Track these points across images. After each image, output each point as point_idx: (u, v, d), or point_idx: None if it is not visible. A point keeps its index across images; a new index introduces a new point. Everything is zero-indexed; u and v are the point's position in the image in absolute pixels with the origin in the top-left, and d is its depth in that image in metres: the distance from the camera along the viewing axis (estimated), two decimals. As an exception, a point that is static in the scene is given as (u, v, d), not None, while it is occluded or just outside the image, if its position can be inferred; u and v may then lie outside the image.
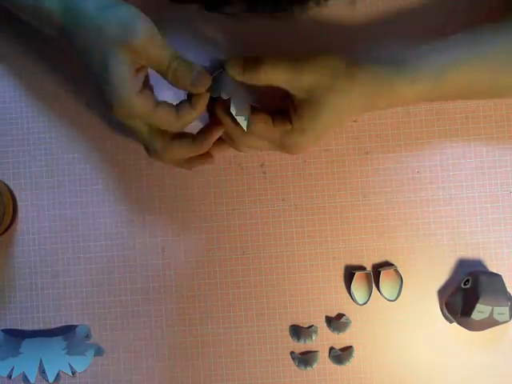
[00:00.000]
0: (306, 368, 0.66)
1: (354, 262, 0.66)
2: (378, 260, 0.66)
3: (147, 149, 0.59)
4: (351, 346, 0.66)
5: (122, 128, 0.68)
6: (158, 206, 0.68)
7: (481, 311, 0.60)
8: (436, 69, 0.55)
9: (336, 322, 0.66)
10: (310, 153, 0.67)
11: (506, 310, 0.61)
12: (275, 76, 0.54)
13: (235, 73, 0.55)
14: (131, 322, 0.67)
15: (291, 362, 0.66)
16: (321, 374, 0.66)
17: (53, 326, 0.67)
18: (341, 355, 0.66)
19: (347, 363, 0.65)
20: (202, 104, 0.55)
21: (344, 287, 0.66)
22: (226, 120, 0.58)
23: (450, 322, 0.64)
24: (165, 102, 0.55)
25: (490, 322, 0.61)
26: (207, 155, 0.61)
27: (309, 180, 0.67)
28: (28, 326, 0.67)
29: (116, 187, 0.68)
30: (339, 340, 0.66)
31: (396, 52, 0.56)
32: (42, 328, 0.67)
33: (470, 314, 0.60)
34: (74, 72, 0.68)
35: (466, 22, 0.62)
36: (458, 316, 0.62)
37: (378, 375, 0.66)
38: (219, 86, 0.56)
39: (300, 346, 0.66)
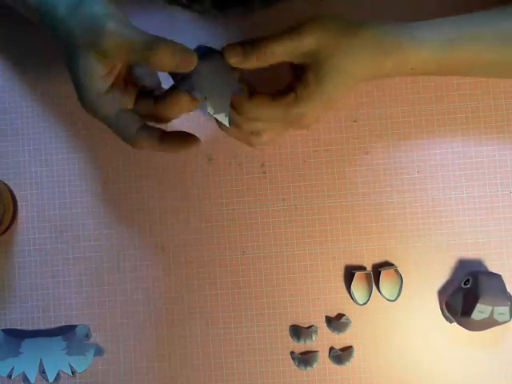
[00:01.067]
0: (306, 368, 0.66)
1: (354, 262, 0.66)
2: (377, 260, 0.66)
3: (127, 139, 0.56)
4: (351, 346, 0.66)
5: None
6: (157, 206, 0.68)
7: (481, 311, 0.60)
8: (445, 35, 0.53)
9: (336, 321, 0.66)
10: (310, 153, 0.67)
11: (507, 310, 0.61)
12: (277, 49, 0.52)
13: (236, 60, 0.52)
14: (131, 322, 0.67)
15: (291, 362, 0.66)
16: (321, 374, 0.66)
17: (53, 326, 0.67)
18: (341, 355, 0.66)
19: (347, 363, 0.65)
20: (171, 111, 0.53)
21: (344, 287, 0.66)
22: (233, 130, 0.56)
23: (450, 322, 0.64)
24: (130, 110, 0.54)
25: (490, 322, 0.61)
26: (191, 136, 0.56)
27: (309, 180, 0.67)
28: (28, 326, 0.67)
29: (116, 187, 0.68)
30: (339, 340, 0.66)
31: (400, 22, 0.54)
32: (42, 328, 0.67)
33: (471, 314, 0.60)
34: (74, 72, 0.68)
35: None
36: (458, 316, 0.62)
37: (378, 375, 0.66)
38: (192, 85, 0.53)
39: (300, 346, 0.66)
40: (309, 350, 0.66)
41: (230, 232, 0.67)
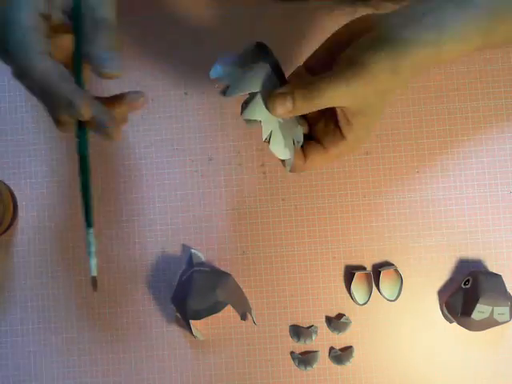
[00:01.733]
0: (306, 368, 0.66)
1: (354, 262, 0.66)
2: (377, 260, 0.66)
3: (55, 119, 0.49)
4: (351, 346, 0.66)
5: (123, 128, 0.68)
6: (157, 206, 0.68)
7: (481, 311, 0.60)
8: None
9: (336, 321, 0.66)
10: (310, 153, 0.67)
11: (506, 310, 0.61)
12: (333, 97, 0.49)
13: (284, 109, 0.49)
14: (131, 322, 0.67)
15: (291, 362, 0.66)
16: (321, 374, 0.66)
17: (53, 326, 0.67)
18: (341, 355, 0.66)
19: (347, 363, 0.65)
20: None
21: (344, 287, 0.66)
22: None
23: (450, 322, 0.64)
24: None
25: (490, 322, 0.61)
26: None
27: (309, 180, 0.67)
28: (28, 326, 0.67)
29: (116, 187, 0.68)
30: (339, 340, 0.66)
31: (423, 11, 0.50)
32: (41, 327, 0.67)
33: (471, 314, 0.60)
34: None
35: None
36: (458, 316, 0.62)
37: (378, 375, 0.66)
38: (253, 112, 0.49)
39: (300, 346, 0.66)
40: (309, 349, 0.66)
41: (230, 232, 0.67)
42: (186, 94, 0.68)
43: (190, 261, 0.65)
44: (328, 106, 0.50)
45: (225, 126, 0.68)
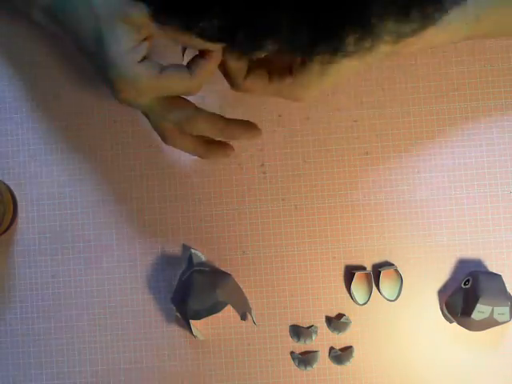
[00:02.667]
0: (306, 368, 0.65)
1: (354, 261, 0.66)
2: (377, 260, 0.66)
3: (162, 134, 0.54)
4: (351, 346, 0.66)
5: (123, 128, 0.68)
6: (157, 206, 0.68)
7: (481, 311, 0.60)
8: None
9: (336, 321, 0.66)
10: (310, 153, 0.67)
11: (507, 310, 0.61)
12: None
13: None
14: (131, 322, 0.67)
15: (291, 362, 0.66)
16: (321, 374, 0.66)
17: (53, 326, 0.67)
18: (341, 355, 0.66)
19: (347, 363, 0.65)
20: (218, 53, 0.49)
21: (344, 287, 0.66)
22: (230, 62, 0.52)
23: (450, 322, 0.64)
24: (172, 64, 0.49)
25: (490, 322, 0.61)
26: (228, 145, 0.58)
27: (309, 180, 0.67)
28: (28, 326, 0.67)
29: (116, 187, 0.68)
30: (339, 340, 0.66)
31: None
32: (41, 327, 0.67)
33: (471, 314, 0.60)
34: (75, 72, 0.68)
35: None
36: (458, 316, 0.62)
37: (378, 375, 0.66)
38: None
39: (300, 346, 0.66)
40: (309, 349, 0.66)
41: (230, 232, 0.67)
42: (185, 93, 0.68)
43: (190, 261, 0.65)
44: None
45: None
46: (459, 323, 0.63)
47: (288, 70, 0.52)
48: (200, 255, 0.66)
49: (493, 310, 0.60)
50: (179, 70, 0.49)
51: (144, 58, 0.49)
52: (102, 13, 0.47)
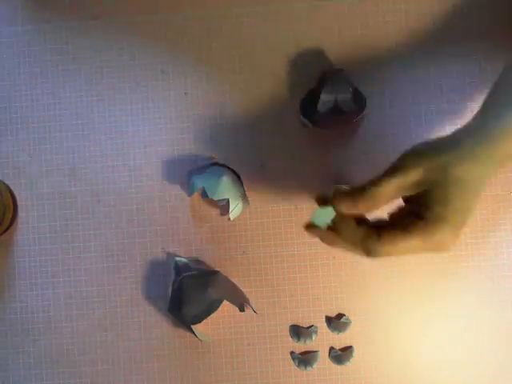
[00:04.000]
0: (306, 368, 0.66)
1: (355, 261, 0.67)
2: (378, 260, 0.66)
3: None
4: (351, 346, 0.66)
5: (123, 128, 0.68)
6: (157, 207, 0.68)
7: (325, 100, 0.63)
8: None
9: (336, 321, 0.66)
10: (310, 153, 0.67)
11: (349, 97, 0.63)
12: (385, 188, 0.50)
13: (346, 208, 0.51)
14: (131, 322, 0.67)
15: (291, 362, 0.66)
16: (321, 374, 0.66)
17: (53, 326, 0.67)
18: (341, 355, 0.66)
19: (347, 363, 0.65)
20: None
21: (344, 287, 0.66)
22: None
23: (306, 126, 0.67)
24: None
25: (336, 112, 0.64)
26: None
27: (309, 180, 0.67)
28: (28, 326, 0.67)
29: (116, 187, 0.68)
30: (339, 340, 0.66)
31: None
32: (41, 327, 0.67)
33: (316, 106, 0.63)
34: (74, 72, 0.68)
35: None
36: (310, 116, 0.64)
37: (378, 375, 0.66)
38: None
39: (300, 346, 0.66)
40: (309, 350, 0.66)
41: (230, 232, 0.67)
42: (185, 93, 0.68)
43: (177, 269, 0.65)
44: (388, 200, 0.51)
45: (224, 126, 0.68)
46: (313, 124, 0.65)
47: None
48: (184, 260, 0.66)
49: (336, 98, 0.63)
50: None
51: None
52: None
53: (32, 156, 0.68)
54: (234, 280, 0.67)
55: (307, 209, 0.67)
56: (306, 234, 0.67)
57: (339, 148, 0.67)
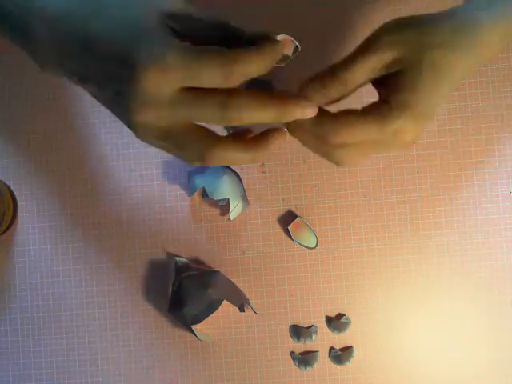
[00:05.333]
0: (306, 368, 0.66)
1: (355, 261, 0.67)
2: (377, 260, 0.66)
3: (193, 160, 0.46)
4: (351, 346, 0.66)
5: (123, 128, 0.68)
6: (157, 206, 0.68)
7: None
8: None
9: (336, 321, 0.66)
10: (310, 153, 0.67)
11: None
12: (359, 72, 0.44)
13: (318, 98, 0.45)
14: (131, 322, 0.67)
15: (291, 362, 0.66)
16: (321, 374, 0.66)
17: (53, 326, 0.67)
18: (341, 355, 0.66)
19: (347, 363, 0.65)
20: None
21: (344, 287, 0.66)
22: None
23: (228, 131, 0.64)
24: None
25: None
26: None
27: (309, 180, 0.67)
28: (28, 326, 0.67)
29: (116, 187, 0.68)
30: (339, 340, 0.66)
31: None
32: (41, 327, 0.67)
33: None
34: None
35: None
36: None
37: (377, 375, 0.66)
38: None
39: (300, 346, 0.66)
40: (309, 350, 0.66)
41: (230, 232, 0.67)
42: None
43: (177, 269, 0.65)
44: (362, 83, 0.46)
45: (225, 127, 0.68)
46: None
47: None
48: (185, 260, 0.66)
49: None
50: (221, 50, 0.41)
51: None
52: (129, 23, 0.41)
53: (32, 156, 0.68)
54: (234, 280, 0.67)
55: (307, 208, 0.67)
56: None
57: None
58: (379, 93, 0.47)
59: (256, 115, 0.43)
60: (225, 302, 0.66)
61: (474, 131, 0.67)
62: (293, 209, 0.67)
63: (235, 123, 0.43)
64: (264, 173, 0.68)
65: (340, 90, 0.45)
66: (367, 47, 0.45)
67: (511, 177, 0.67)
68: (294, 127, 0.46)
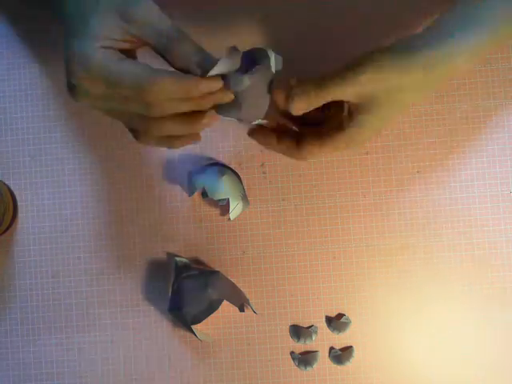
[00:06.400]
0: (306, 368, 0.66)
1: (354, 261, 0.66)
2: (378, 259, 0.66)
3: (132, 130, 0.52)
4: (351, 346, 0.66)
5: (124, 128, 0.68)
6: (157, 206, 0.68)
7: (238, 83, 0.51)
8: (487, 20, 0.52)
9: (336, 321, 0.66)
10: (310, 153, 0.67)
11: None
12: (334, 93, 0.51)
13: (284, 104, 0.53)
14: (131, 322, 0.67)
15: (291, 362, 0.66)
16: (321, 374, 0.66)
17: (53, 325, 0.67)
18: (341, 355, 0.66)
19: (347, 363, 0.65)
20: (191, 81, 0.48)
21: (344, 287, 0.66)
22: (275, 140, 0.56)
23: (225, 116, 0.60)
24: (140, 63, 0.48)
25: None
26: (195, 134, 0.53)
27: (309, 180, 0.67)
28: (28, 326, 0.67)
29: (116, 187, 0.68)
30: (339, 340, 0.66)
31: (427, 35, 0.52)
32: (41, 327, 0.67)
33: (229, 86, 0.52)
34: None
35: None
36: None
37: (378, 375, 0.66)
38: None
39: (300, 346, 0.66)
40: (309, 350, 0.66)
41: (230, 232, 0.67)
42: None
43: (177, 269, 0.65)
44: (333, 99, 0.51)
45: (224, 126, 0.68)
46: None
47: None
48: (185, 260, 0.66)
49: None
50: (142, 67, 0.48)
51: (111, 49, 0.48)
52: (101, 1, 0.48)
53: (32, 156, 0.68)
54: (234, 280, 0.67)
55: (307, 208, 0.67)
56: (306, 234, 0.67)
57: (339, 148, 0.67)
58: (332, 113, 0.55)
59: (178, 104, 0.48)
60: (225, 302, 0.66)
61: (474, 131, 0.67)
62: (293, 209, 0.67)
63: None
64: (264, 173, 0.68)
65: (307, 105, 0.52)
66: (344, 76, 0.50)
67: (511, 177, 0.67)
68: (254, 133, 0.56)
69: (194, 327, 0.63)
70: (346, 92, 0.51)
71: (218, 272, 0.64)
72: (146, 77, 0.47)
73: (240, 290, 0.65)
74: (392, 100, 0.51)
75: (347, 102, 0.52)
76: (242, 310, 0.61)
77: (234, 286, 0.65)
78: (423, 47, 0.51)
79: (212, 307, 0.62)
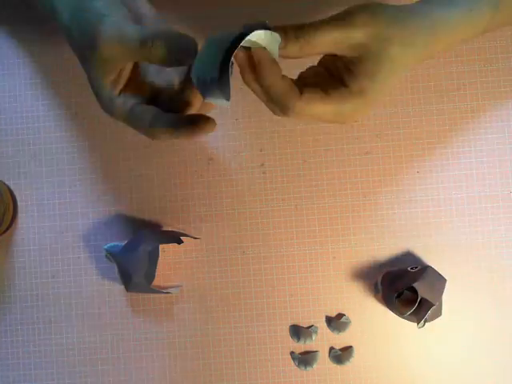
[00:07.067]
0: (306, 368, 0.66)
1: (354, 261, 0.66)
2: (378, 259, 0.66)
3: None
4: (351, 346, 0.66)
5: (124, 128, 0.68)
6: (158, 207, 0.68)
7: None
8: None
9: (336, 321, 0.66)
10: (310, 153, 0.67)
11: (434, 308, 0.61)
12: (325, 39, 0.48)
13: (293, 47, 0.48)
14: (131, 322, 0.67)
15: (291, 362, 0.66)
16: (321, 374, 0.66)
17: (53, 326, 0.67)
18: (341, 355, 0.66)
19: (347, 363, 0.65)
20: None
21: (344, 287, 0.66)
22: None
23: (377, 292, 0.65)
24: (144, 106, 0.52)
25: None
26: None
27: (309, 180, 0.67)
28: (28, 326, 0.67)
29: (116, 188, 0.68)
30: (339, 340, 0.66)
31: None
32: (41, 327, 0.67)
33: (397, 295, 0.60)
34: (74, 72, 0.68)
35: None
36: (386, 291, 0.62)
37: (378, 375, 0.66)
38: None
39: (300, 346, 0.66)
40: (309, 350, 0.66)
41: (230, 232, 0.67)
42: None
43: (111, 255, 0.65)
44: (323, 52, 0.50)
45: (224, 126, 0.68)
46: (384, 299, 0.63)
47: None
48: (113, 244, 0.66)
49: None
50: (145, 107, 0.51)
51: (120, 93, 0.51)
52: (78, 43, 0.50)
53: (32, 156, 0.68)
54: (234, 280, 0.67)
55: (307, 208, 0.67)
56: (305, 234, 0.67)
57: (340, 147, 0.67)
58: (335, 73, 0.51)
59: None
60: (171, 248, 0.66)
61: (474, 131, 0.67)
62: (293, 209, 0.67)
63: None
64: (264, 173, 0.68)
65: (299, 51, 0.49)
66: (339, 19, 0.49)
67: (511, 177, 0.67)
68: (254, 88, 0.50)
69: (153, 285, 0.62)
70: (339, 38, 0.48)
71: (141, 231, 0.64)
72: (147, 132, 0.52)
73: (171, 231, 0.65)
74: (384, 56, 0.49)
75: (343, 57, 0.50)
76: (179, 242, 0.62)
77: (161, 231, 0.65)
78: (412, 6, 0.51)
79: (153, 258, 0.64)
